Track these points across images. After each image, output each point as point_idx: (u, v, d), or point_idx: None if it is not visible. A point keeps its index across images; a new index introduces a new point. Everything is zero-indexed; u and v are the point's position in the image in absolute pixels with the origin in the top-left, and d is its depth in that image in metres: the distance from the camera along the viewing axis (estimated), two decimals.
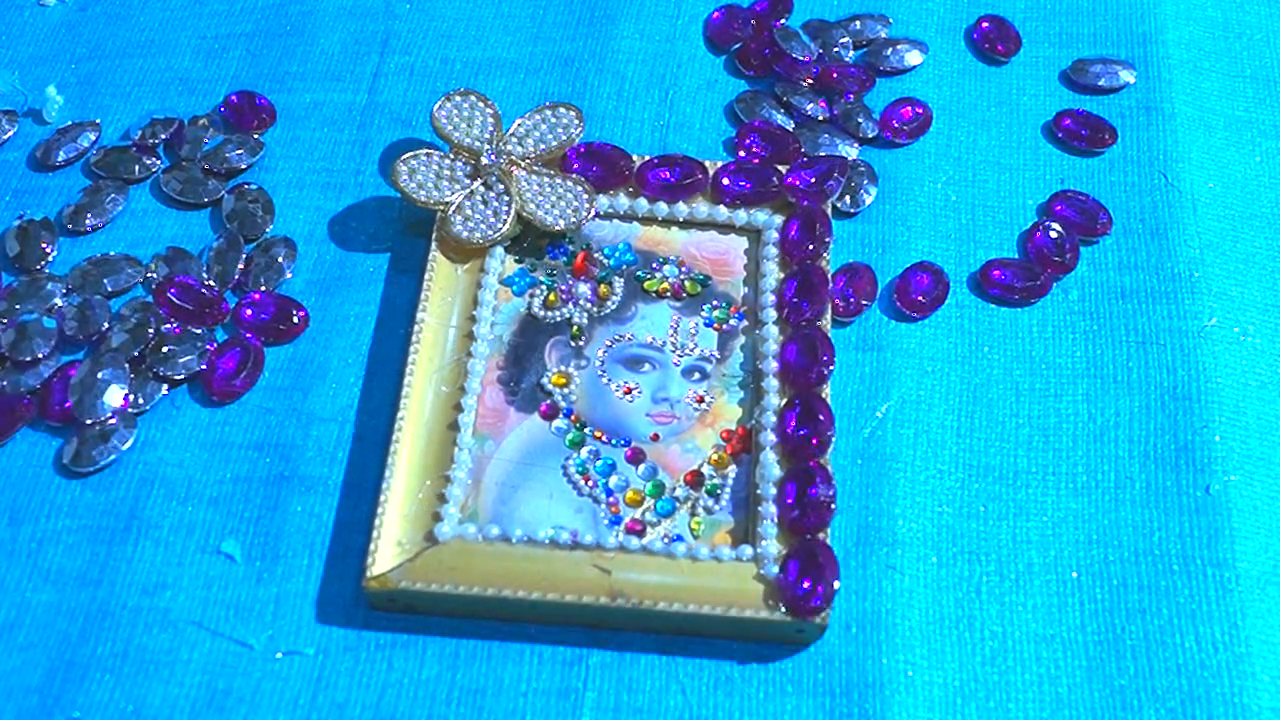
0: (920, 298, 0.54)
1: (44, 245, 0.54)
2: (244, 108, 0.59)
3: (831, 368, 0.50)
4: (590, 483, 0.48)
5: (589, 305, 0.52)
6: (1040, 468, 0.50)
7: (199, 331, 0.52)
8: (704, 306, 0.52)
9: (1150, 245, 0.56)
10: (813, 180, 0.54)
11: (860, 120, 0.58)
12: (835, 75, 0.60)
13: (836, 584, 0.45)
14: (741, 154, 0.57)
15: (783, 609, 0.45)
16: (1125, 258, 0.56)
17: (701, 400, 0.50)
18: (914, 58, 0.61)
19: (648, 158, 0.55)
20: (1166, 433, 0.51)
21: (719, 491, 0.48)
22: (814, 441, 0.48)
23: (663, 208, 0.54)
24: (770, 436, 0.48)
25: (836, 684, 0.45)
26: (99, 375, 0.50)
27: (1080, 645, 0.46)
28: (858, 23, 0.63)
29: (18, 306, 0.52)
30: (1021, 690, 0.45)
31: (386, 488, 0.47)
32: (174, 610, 0.46)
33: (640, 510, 0.47)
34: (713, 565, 0.46)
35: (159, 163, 0.57)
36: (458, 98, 0.55)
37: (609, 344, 0.51)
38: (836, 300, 0.53)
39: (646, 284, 0.53)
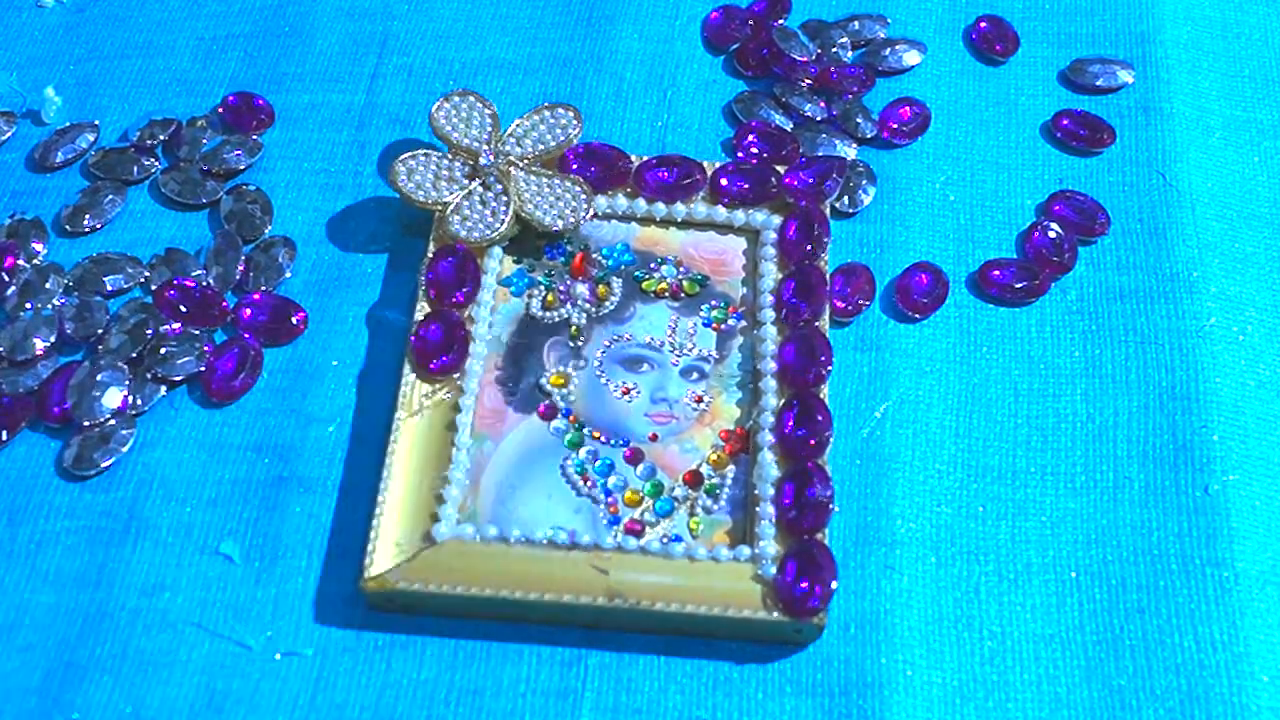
0: (920, 298, 0.54)
1: (34, 244, 0.54)
2: (242, 109, 0.59)
3: (829, 368, 0.50)
4: (589, 483, 0.48)
5: (587, 305, 0.52)
6: (1039, 468, 0.50)
7: (197, 333, 0.52)
8: (702, 307, 0.52)
9: (1149, 245, 0.56)
10: (811, 181, 0.54)
11: (859, 120, 0.58)
12: (834, 75, 0.60)
13: (834, 584, 0.45)
14: (740, 154, 0.57)
15: (780, 609, 0.45)
16: (1124, 258, 0.56)
17: (700, 400, 0.50)
18: (912, 58, 0.61)
19: (646, 158, 0.55)
20: (1165, 432, 0.51)
21: (717, 491, 0.48)
22: (812, 442, 0.48)
23: (661, 208, 0.54)
24: (768, 437, 0.48)
25: (835, 684, 0.45)
26: (98, 377, 0.50)
27: (1079, 645, 0.46)
28: (856, 23, 0.63)
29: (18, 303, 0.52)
30: (1020, 690, 0.45)
31: (384, 488, 0.47)
32: (173, 611, 0.46)
33: (639, 510, 0.47)
34: (711, 565, 0.46)
35: (157, 164, 0.57)
36: (456, 98, 0.55)
37: (607, 344, 0.51)
38: (835, 300, 0.53)
39: (645, 284, 0.53)
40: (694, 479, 0.48)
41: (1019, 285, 0.54)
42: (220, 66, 0.61)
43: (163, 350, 0.51)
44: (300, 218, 0.56)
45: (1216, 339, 0.53)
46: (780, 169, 0.55)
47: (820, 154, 0.57)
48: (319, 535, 0.48)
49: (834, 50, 0.61)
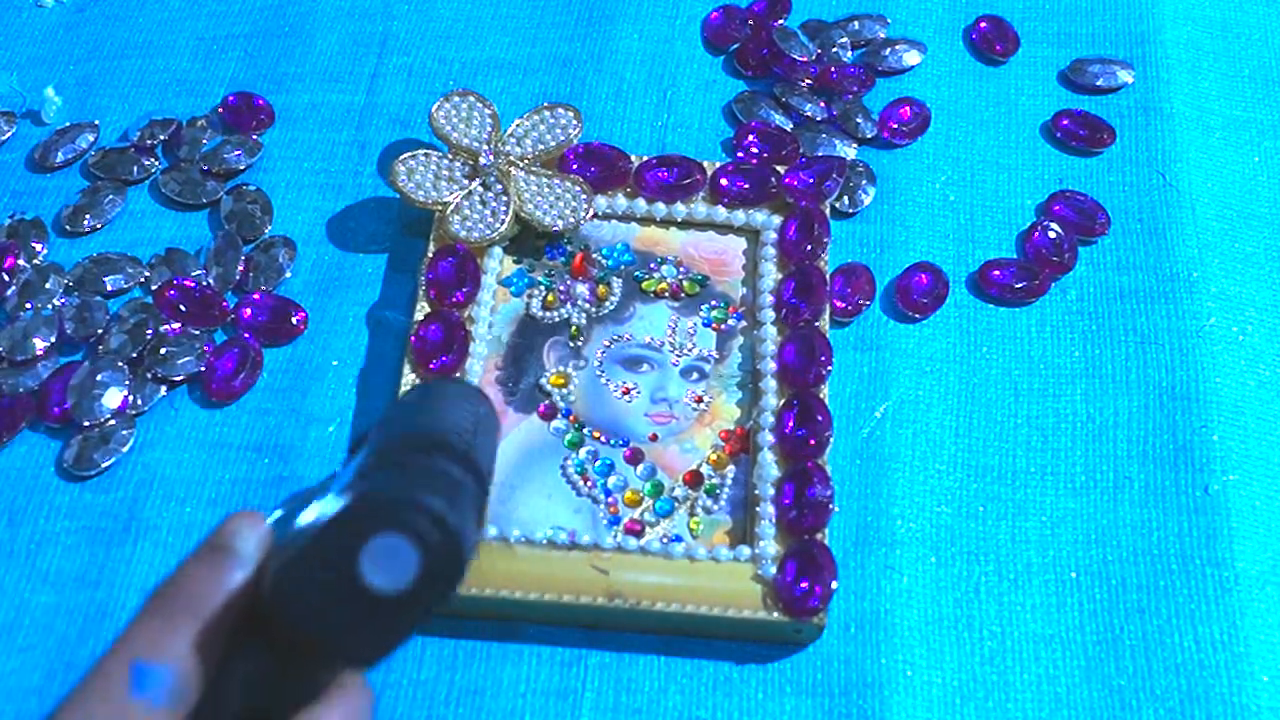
0: (920, 298, 0.54)
1: (34, 244, 0.54)
2: (242, 109, 0.59)
3: (829, 368, 0.50)
4: (589, 483, 0.48)
5: (587, 305, 0.52)
6: (1039, 467, 0.50)
7: (197, 333, 0.52)
8: (702, 306, 0.52)
9: (1149, 245, 0.56)
10: (811, 181, 0.54)
11: (859, 120, 0.58)
12: (834, 75, 0.60)
13: (834, 584, 0.45)
14: (740, 154, 0.57)
15: (780, 609, 0.45)
16: (1124, 257, 0.56)
17: (700, 400, 0.50)
18: (912, 58, 0.61)
19: (646, 158, 0.55)
20: (1165, 432, 0.51)
21: (717, 492, 0.48)
22: (812, 442, 0.48)
23: (661, 208, 0.54)
24: (768, 437, 0.48)
25: (835, 684, 0.45)
26: (98, 377, 0.50)
27: (1079, 645, 0.46)
28: (856, 23, 0.63)
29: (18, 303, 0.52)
30: (1020, 690, 0.45)
31: None
32: None
33: (639, 510, 0.47)
34: (710, 565, 0.46)
35: (157, 164, 0.57)
36: (456, 98, 0.55)
37: (607, 344, 0.51)
38: (835, 300, 0.53)
39: (645, 284, 0.53)
40: (694, 479, 0.48)
41: (1019, 285, 0.54)
42: (220, 66, 0.61)
43: (163, 350, 0.51)
44: (300, 218, 0.56)
45: (1216, 339, 0.53)
46: (780, 169, 0.55)
47: (820, 154, 0.57)
48: None
49: (834, 50, 0.61)
